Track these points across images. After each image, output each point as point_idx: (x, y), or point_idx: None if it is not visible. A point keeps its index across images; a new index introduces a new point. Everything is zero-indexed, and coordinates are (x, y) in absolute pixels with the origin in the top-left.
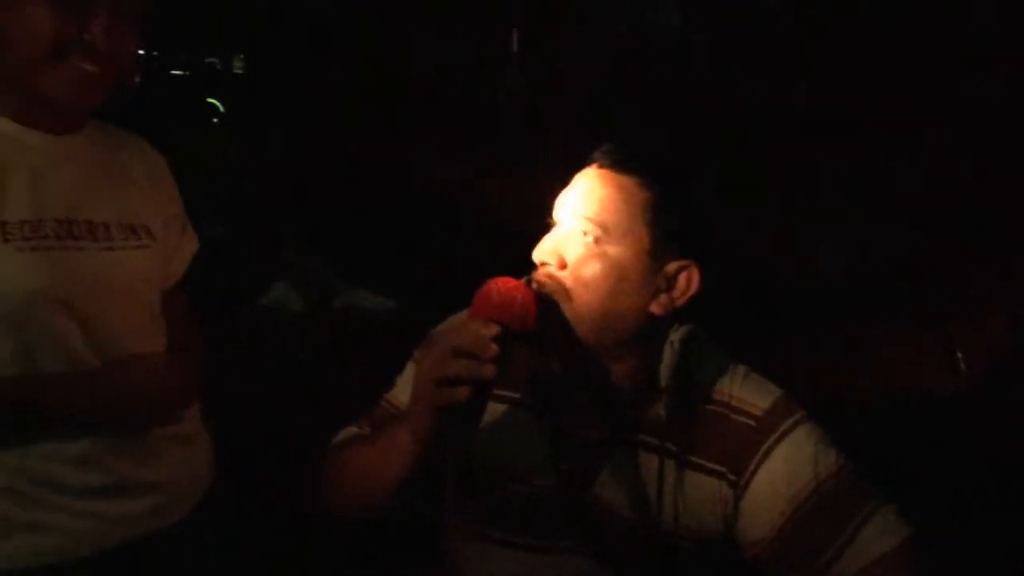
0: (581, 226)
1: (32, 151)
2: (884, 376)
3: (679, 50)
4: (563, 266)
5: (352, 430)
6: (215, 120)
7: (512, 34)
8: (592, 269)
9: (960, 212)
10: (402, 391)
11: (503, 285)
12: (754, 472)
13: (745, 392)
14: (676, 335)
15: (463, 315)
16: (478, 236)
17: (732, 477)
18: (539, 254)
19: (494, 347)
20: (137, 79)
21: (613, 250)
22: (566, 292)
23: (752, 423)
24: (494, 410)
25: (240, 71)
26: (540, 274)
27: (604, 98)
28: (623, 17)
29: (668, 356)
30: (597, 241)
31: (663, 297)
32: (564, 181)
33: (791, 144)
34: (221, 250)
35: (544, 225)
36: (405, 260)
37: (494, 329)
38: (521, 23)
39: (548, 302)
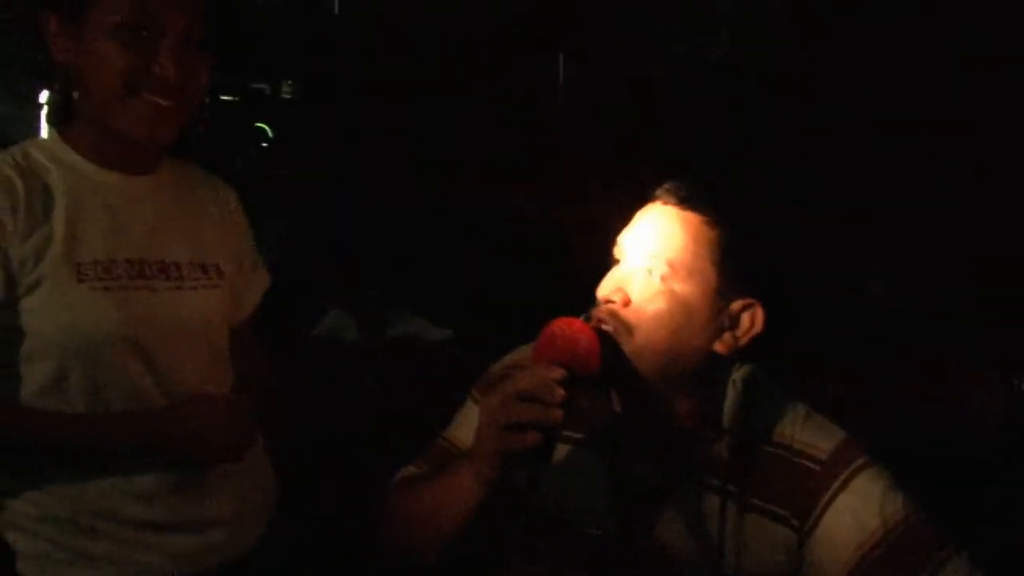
0: (647, 263)
1: (108, 190)
2: (940, 404)
3: (732, 78)
4: (627, 303)
5: (411, 469)
6: (264, 145)
7: (559, 60)
8: (657, 306)
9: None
10: (461, 429)
11: (567, 327)
12: (819, 518)
13: (807, 434)
14: (738, 374)
15: (520, 353)
16: (532, 265)
17: (796, 522)
18: (603, 290)
19: (560, 391)
20: (207, 115)
21: (679, 288)
22: (629, 329)
23: (816, 467)
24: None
25: (289, 96)
26: (603, 311)
27: (656, 127)
28: (676, 43)
29: (731, 396)
30: (663, 279)
31: (727, 336)
32: (621, 214)
33: (849, 172)
34: (273, 278)
35: (601, 258)
36: (459, 289)
37: (559, 372)
38: (569, 49)
39: (611, 342)
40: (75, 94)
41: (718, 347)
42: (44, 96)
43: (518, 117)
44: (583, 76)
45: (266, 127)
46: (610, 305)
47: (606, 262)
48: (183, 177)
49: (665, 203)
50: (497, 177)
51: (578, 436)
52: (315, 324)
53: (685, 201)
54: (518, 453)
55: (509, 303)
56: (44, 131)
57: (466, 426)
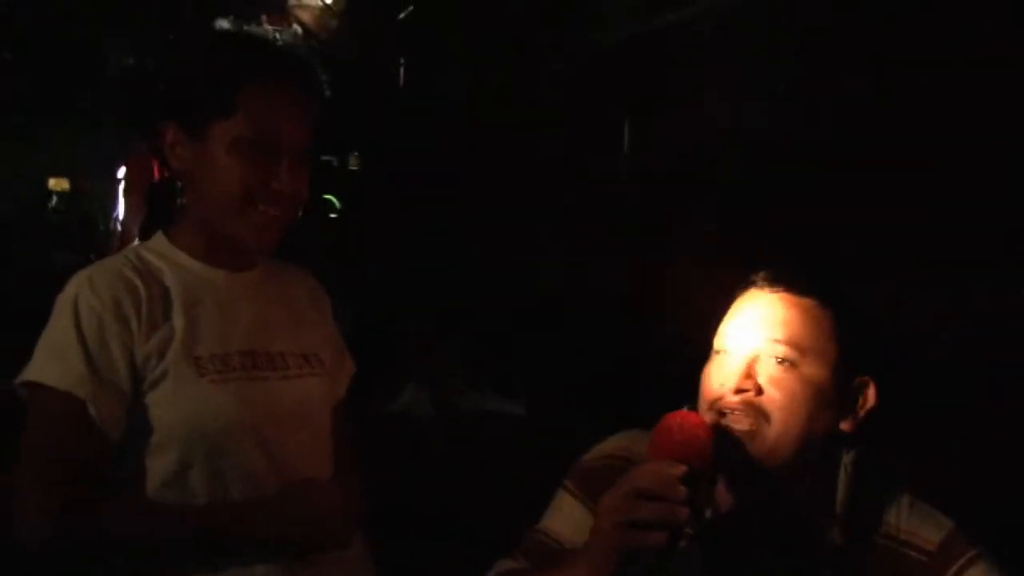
0: (769, 349)
1: (216, 287)
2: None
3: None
4: (759, 391)
5: (509, 564)
6: (333, 216)
7: (624, 126)
8: (791, 392)
9: None
10: (559, 522)
11: (684, 421)
12: None
13: (914, 524)
14: (848, 458)
15: (614, 443)
16: (606, 340)
17: None
18: (730, 380)
19: (683, 488)
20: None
21: (808, 371)
22: (767, 417)
23: (924, 559)
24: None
25: (356, 168)
26: (736, 402)
27: (732, 195)
28: (747, 111)
29: (842, 480)
30: (792, 364)
31: (850, 414)
32: (696, 286)
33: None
34: (351, 349)
35: (672, 329)
36: (533, 363)
37: (681, 469)
38: (637, 115)
39: (727, 436)
40: (182, 199)
41: (844, 426)
42: (122, 172)
43: (588, 184)
44: (653, 142)
45: (334, 198)
46: (743, 395)
47: (682, 335)
48: (278, 273)
49: (773, 290)
50: (568, 248)
51: (688, 530)
52: (392, 400)
53: (795, 286)
54: (641, 552)
55: (583, 377)
56: (121, 205)
57: (563, 519)
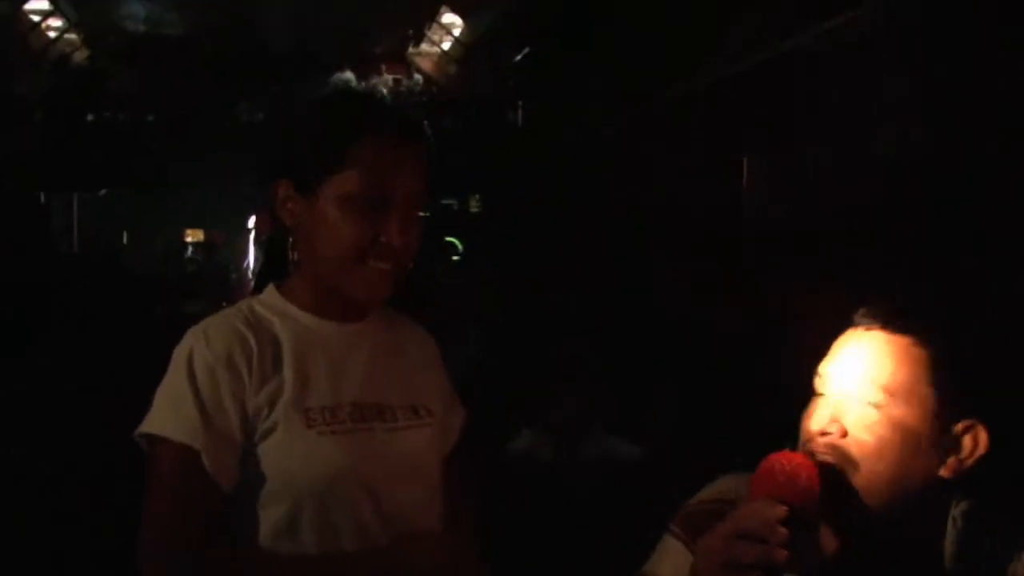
0: (859, 391)
1: (326, 339)
2: None
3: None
4: (844, 434)
5: None
6: (455, 258)
7: (743, 163)
8: (879, 435)
9: None
10: (662, 566)
11: (787, 461)
12: None
13: None
14: (957, 510)
15: (720, 486)
16: (726, 382)
17: None
18: (816, 423)
19: (783, 530)
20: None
21: (898, 414)
22: (852, 462)
23: None
24: None
25: (476, 210)
26: (820, 444)
27: (850, 233)
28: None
29: (950, 533)
30: (881, 406)
31: (951, 460)
32: (819, 324)
33: None
34: (466, 397)
35: (794, 372)
36: (653, 406)
37: (782, 511)
38: (755, 150)
39: (834, 476)
40: (293, 254)
41: (943, 472)
42: (251, 222)
43: (707, 223)
44: (773, 178)
45: (456, 241)
46: (827, 437)
47: (802, 379)
48: (388, 322)
49: (868, 328)
50: (688, 288)
51: None
52: (509, 444)
53: (890, 323)
54: None
55: (703, 420)
56: (251, 255)
57: (667, 562)
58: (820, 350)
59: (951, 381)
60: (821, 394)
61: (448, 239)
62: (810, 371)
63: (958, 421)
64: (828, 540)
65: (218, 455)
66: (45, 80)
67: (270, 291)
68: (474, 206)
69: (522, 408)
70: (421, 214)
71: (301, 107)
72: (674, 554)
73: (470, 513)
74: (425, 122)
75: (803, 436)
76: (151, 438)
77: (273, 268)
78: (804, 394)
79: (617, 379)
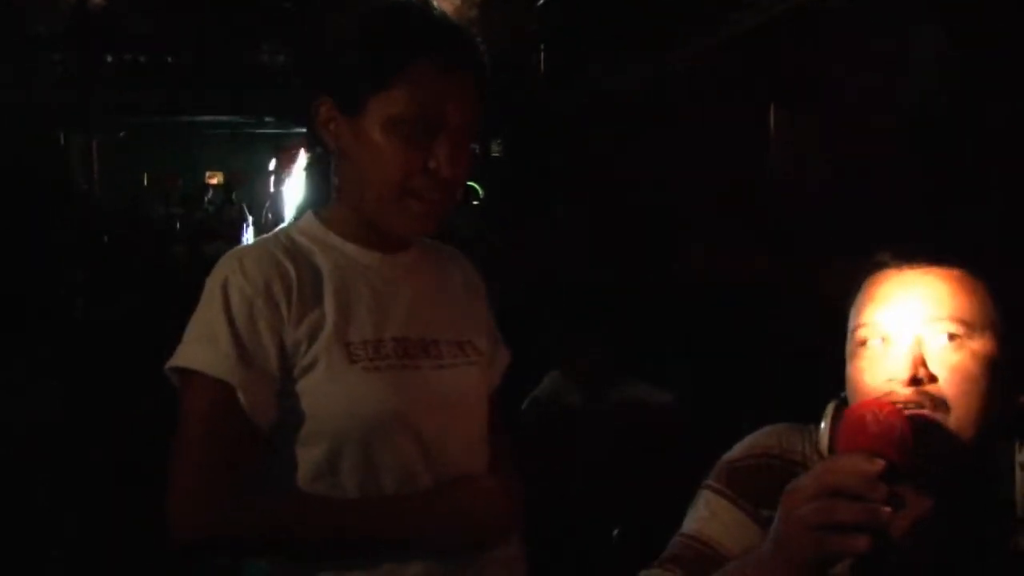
0: (937, 329)
1: (369, 270)
2: None
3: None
4: (932, 378)
5: (658, 574)
6: (475, 203)
7: (769, 112)
8: (968, 372)
9: None
10: (712, 527)
11: (879, 411)
12: None
13: None
14: (1022, 455)
15: (764, 438)
16: (755, 329)
17: None
18: (896, 371)
19: (883, 486)
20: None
21: (979, 346)
22: (946, 405)
23: None
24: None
25: (498, 154)
26: (912, 394)
27: (882, 178)
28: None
29: (1021, 480)
30: (959, 342)
31: None
32: (847, 274)
33: None
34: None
35: (822, 322)
36: (684, 351)
37: (880, 464)
38: (781, 100)
39: (928, 427)
40: (335, 179)
41: (1023, 399)
42: (272, 164)
43: (733, 171)
44: (801, 128)
45: (476, 186)
46: (919, 385)
47: (832, 329)
48: (433, 254)
49: (914, 267)
50: (717, 236)
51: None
52: (534, 387)
53: (940, 259)
54: (836, 559)
55: (732, 366)
56: (272, 194)
57: (716, 523)
58: (843, 299)
59: (1008, 305)
60: (871, 342)
61: (469, 183)
62: (832, 322)
63: (1022, 344)
64: (914, 499)
65: (256, 392)
66: (63, 21)
67: (308, 218)
68: (495, 151)
69: (545, 353)
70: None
71: (347, 18)
72: (722, 513)
73: (510, 455)
74: (484, 46)
75: (871, 390)
76: (183, 373)
77: (313, 195)
78: (827, 346)
79: (648, 326)
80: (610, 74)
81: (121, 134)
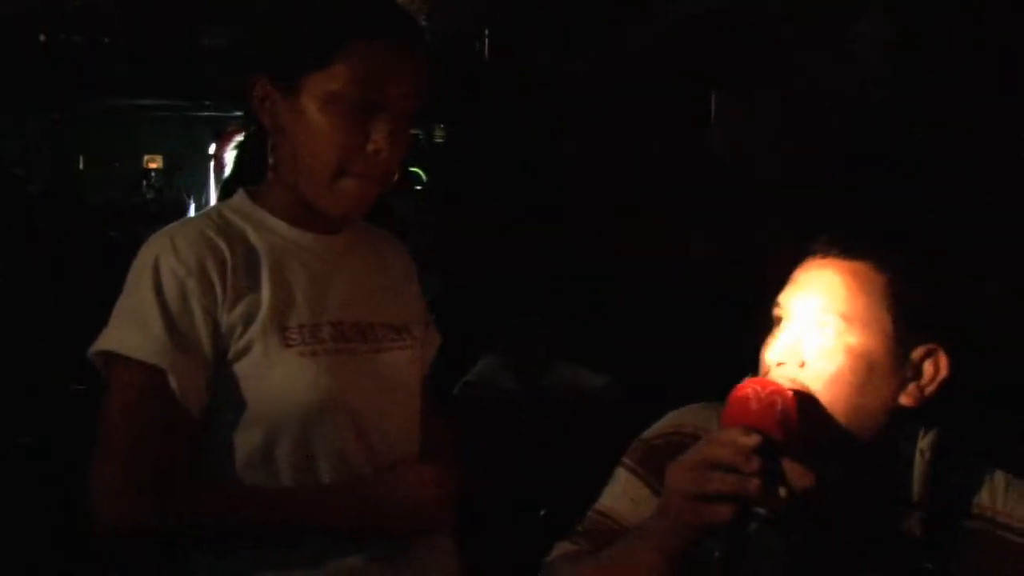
0: (817, 319)
1: (305, 252)
2: None
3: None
4: (802, 364)
5: (567, 546)
6: (418, 188)
7: (711, 98)
8: (836, 364)
9: None
10: (620, 502)
11: (761, 388)
12: None
13: (1012, 505)
14: (924, 442)
15: (676, 418)
16: (690, 312)
17: None
18: (774, 354)
19: (756, 460)
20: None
21: (856, 341)
22: (811, 392)
23: (1022, 542)
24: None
25: (441, 140)
26: (777, 376)
27: (818, 168)
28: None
29: (918, 465)
30: (837, 334)
31: (911, 387)
32: (782, 255)
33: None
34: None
35: (759, 305)
36: (618, 336)
37: (755, 439)
38: (725, 86)
39: (811, 405)
40: (271, 158)
41: (904, 400)
42: (212, 148)
43: (674, 157)
44: (740, 114)
45: (420, 172)
46: (783, 368)
47: (767, 312)
48: (367, 237)
49: (825, 255)
50: (651, 220)
51: (761, 512)
52: (470, 373)
53: (848, 250)
54: (709, 528)
55: (668, 351)
56: (212, 182)
57: (623, 499)
58: (783, 283)
59: (909, 306)
60: (780, 324)
61: (412, 169)
62: (772, 304)
63: (917, 347)
64: (799, 475)
65: (187, 376)
66: None
67: (241, 196)
68: (439, 136)
69: (481, 337)
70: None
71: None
72: (631, 489)
73: (446, 440)
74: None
75: (761, 368)
76: (110, 357)
77: (246, 173)
78: (767, 328)
79: (582, 311)
80: (555, 60)
81: (55, 116)
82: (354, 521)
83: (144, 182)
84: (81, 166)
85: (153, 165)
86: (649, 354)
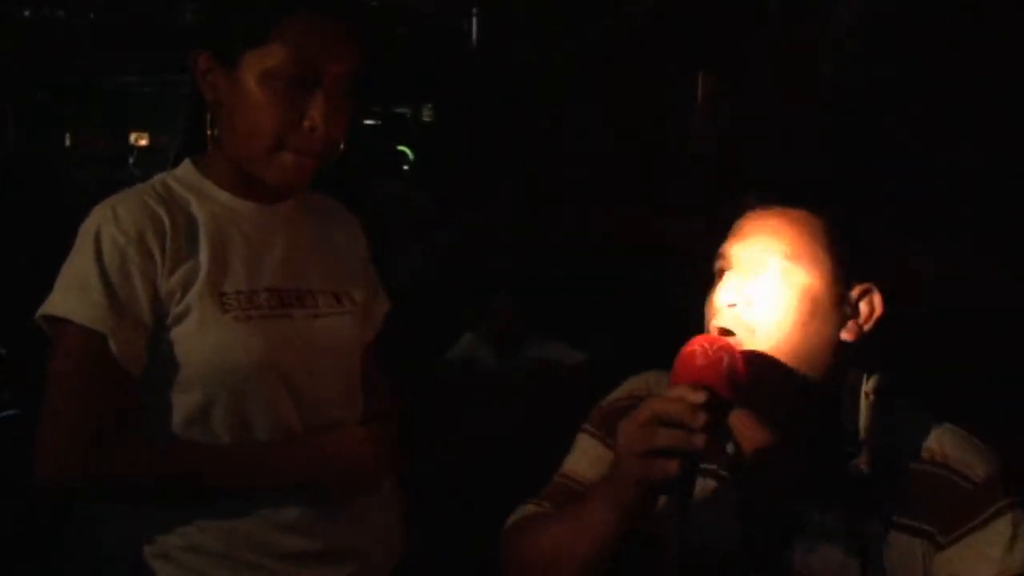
0: (763, 261)
1: (245, 220)
2: None
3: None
4: (749, 304)
5: (530, 508)
6: (406, 168)
7: (697, 81)
8: (783, 300)
9: None
10: (580, 464)
11: (709, 345)
12: (962, 537)
13: (959, 452)
14: (868, 386)
15: (632, 384)
16: (672, 288)
17: (940, 539)
18: (722, 297)
19: (703, 415)
20: (342, 146)
21: (799, 278)
22: (752, 331)
23: (970, 487)
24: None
25: (429, 119)
26: (726, 317)
27: (798, 147)
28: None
29: (864, 408)
30: (781, 273)
31: (851, 323)
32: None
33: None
34: (411, 301)
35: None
36: (597, 313)
37: (701, 396)
38: (707, 67)
39: (756, 360)
40: (214, 130)
41: (845, 335)
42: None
43: (658, 137)
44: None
45: (407, 150)
46: (734, 308)
47: (709, 270)
48: (312, 205)
49: (765, 207)
50: (634, 200)
51: (710, 467)
52: (449, 348)
53: (785, 199)
54: (658, 482)
55: (646, 327)
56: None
57: (584, 460)
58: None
59: (845, 246)
60: (724, 275)
61: (400, 148)
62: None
63: (855, 286)
64: (750, 427)
65: (127, 340)
66: None
67: (186, 167)
68: (427, 115)
69: (462, 314)
70: (372, 122)
71: None
72: (590, 451)
73: (388, 405)
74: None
75: (708, 313)
76: (53, 321)
77: (193, 144)
78: (711, 283)
79: (561, 287)
80: (542, 40)
81: (39, 94)
82: (285, 477)
83: (130, 160)
84: (67, 143)
85: (141, 143)
86: (629, 331)
